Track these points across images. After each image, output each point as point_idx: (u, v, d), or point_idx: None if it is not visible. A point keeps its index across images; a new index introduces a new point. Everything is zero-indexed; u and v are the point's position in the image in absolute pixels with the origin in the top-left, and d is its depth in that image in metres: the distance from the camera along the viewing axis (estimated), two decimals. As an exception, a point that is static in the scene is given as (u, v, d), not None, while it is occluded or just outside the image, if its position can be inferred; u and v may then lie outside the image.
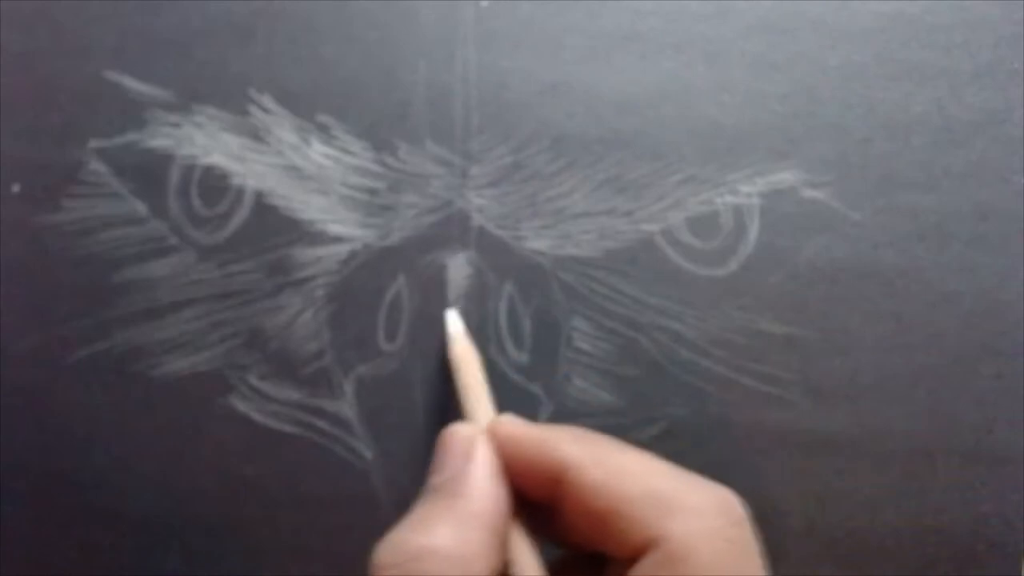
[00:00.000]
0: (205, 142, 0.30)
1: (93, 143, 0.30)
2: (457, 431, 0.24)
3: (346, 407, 0.30)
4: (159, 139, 0.30)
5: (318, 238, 0.29)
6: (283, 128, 0.30)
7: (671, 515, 0.21)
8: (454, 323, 0.28)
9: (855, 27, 0.29)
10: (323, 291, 0.30)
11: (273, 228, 0.30)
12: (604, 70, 0.29)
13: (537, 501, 0.23)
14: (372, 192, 0.29)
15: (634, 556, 0.21)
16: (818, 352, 0.29)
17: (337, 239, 0.29)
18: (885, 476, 0.29)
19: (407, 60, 0.30)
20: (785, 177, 0.29)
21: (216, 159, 0.30)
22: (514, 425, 0.24)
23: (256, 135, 0.30)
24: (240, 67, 0.30)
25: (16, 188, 0.30)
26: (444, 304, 0.29)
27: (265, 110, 0.30)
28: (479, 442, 0.23)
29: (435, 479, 0.23)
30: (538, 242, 0.29)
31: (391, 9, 0.30)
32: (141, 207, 0.30)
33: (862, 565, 0.29)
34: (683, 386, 0.29)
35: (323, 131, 0.30)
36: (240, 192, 0.30)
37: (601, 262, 0.29)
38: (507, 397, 0.29)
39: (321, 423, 0.30)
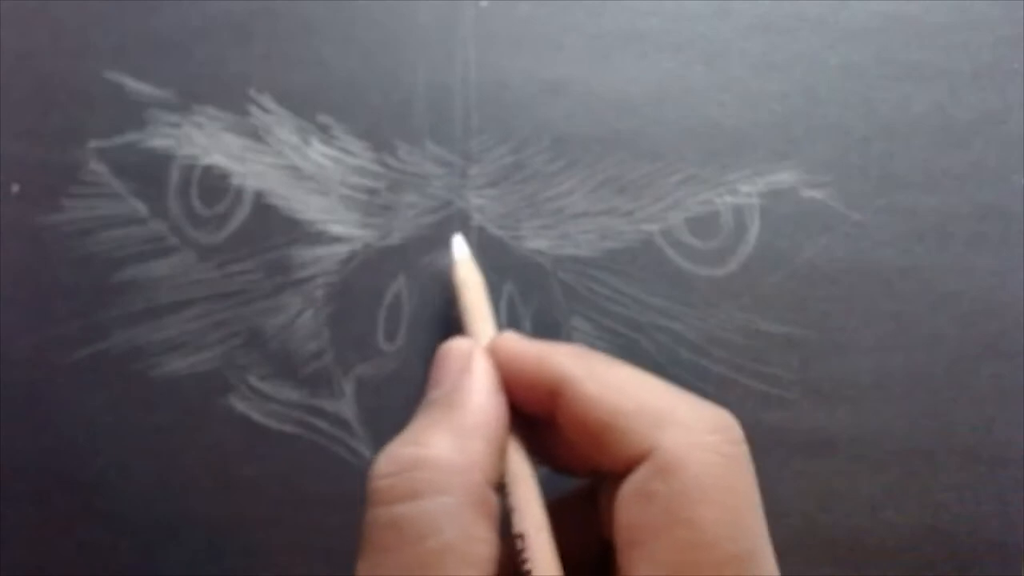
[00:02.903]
0: (205, 142, 0.30)
1: (93, 143, 0.30)
2: (455, 345, 0.24)
3: (346, 407, 0.30)
4: (159, 139, 0.30)
5: (318, 238, 0.29)
6: (283, 128, 0.30)
7: (664, 428, 0.21)
8: (459, 247, 0.28)
9: (855, 27, 0.29)
10: (323, 291, 0.30)
11: (273, 228, 0.30)
12: (604, 70, 0.29)
13: (534, 418, 0.23)
14: (372, 192, 0.29)
15: (627, 469, 0.21)
16: (818, 352, 0.29)
17: (337, 239, 0.29)
18: (885, 476, 0.29)
19: (407, 60, 0.30)
20: (785, 177, 0.29)
21: (216, 159, 0.30)
22: (512, 340, 0.24)
23: (256, 135, 0.30)
24: (240, 67, 0.30)
25: (16, 188, 0.30)
26: (444, 304, 0.29)
27: (265, 110, 0.30)
28: (477, 355, 0.23)
29: (433, 393, 0.23)
30: (538, 242, 0.29)
31: (391, 9, 0.30)
32: (141, 207, 0.30)
33: (862, 565, 0.29)
34: (683, 386, 0.29)
35: (323, 131, 0.30)
36: (240, 192, 0.30)
37: (601, 262, 0.29)
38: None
39: (321, 423, 0.30)
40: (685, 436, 0.21)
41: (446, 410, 0.22)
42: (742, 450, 0.21)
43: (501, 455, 0.22)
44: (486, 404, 0.22)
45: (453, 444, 0.21)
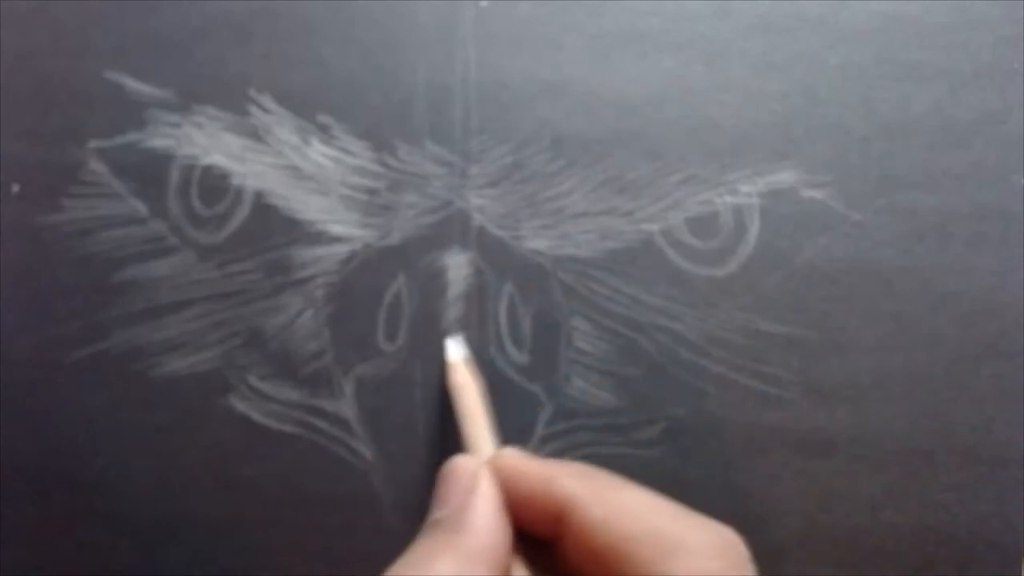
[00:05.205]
0: (205, 142, 0.30)
1: (93, 143, 0.30)
2: (459, 464, 0.24)
3: (346, 407, 0.30)
4: (159, 139, 0.30)
5: (318, 238, 0.29)
6: (283, 128, 0.30)
7: (672, 555, 0.21)
8: (455, 350, 0.28)
9: (855, 27, 0.29)
10: (323, 291, 0.30)
11: (273, 228, 0.30)
12: (604, 70, 0.29)
13: (538, 537, 0.23)
14: (372, 192, 0.29)
15: None
16: (818, 352, 0.29)
17: (337, 239, 0.29)
18: (885, 476, 0.29)
19: (407, 60, 0.30)
20: (785, 177, 0.29)
21: (216, 159, 0.30)
22: (516, 459, 0.24)
23: (256, 135, 0.30)
24: (240, 67, 0.30)
25: (16, 188, 0.30)
26: (444, 304, 0.29)
27: (265, 110, 0.30)
28: (481, 476, 0.23)
29: (437, 513, 0.23)
30: (538, 242, 0.29)
31: (391, 9, 0.30)
32: (141, 207, 0.30)
33: (862, 565, 0.29)
34: (683, 386, 0.29)
35: (323, 131, 0.30)
36: (240, 192, 0.30)
37: (601, 262, 0.29)
38: (507, 397, 0.29)
39: (321, 423, 0.30)
40: (693, 563, 0.21)
41: (450, 533, 0.22)
42: (747, 571, 0.22)
43: None
44: (491, 528, 0.22)
45: (457, 569, 0.21)
